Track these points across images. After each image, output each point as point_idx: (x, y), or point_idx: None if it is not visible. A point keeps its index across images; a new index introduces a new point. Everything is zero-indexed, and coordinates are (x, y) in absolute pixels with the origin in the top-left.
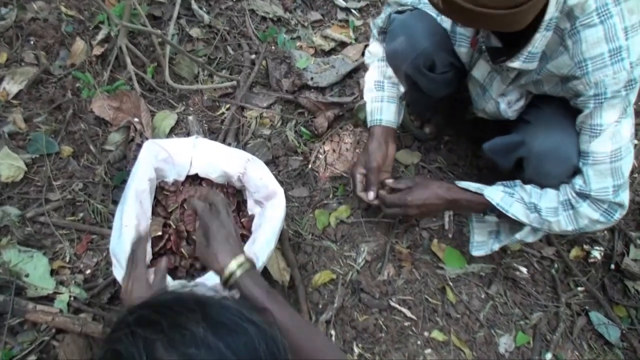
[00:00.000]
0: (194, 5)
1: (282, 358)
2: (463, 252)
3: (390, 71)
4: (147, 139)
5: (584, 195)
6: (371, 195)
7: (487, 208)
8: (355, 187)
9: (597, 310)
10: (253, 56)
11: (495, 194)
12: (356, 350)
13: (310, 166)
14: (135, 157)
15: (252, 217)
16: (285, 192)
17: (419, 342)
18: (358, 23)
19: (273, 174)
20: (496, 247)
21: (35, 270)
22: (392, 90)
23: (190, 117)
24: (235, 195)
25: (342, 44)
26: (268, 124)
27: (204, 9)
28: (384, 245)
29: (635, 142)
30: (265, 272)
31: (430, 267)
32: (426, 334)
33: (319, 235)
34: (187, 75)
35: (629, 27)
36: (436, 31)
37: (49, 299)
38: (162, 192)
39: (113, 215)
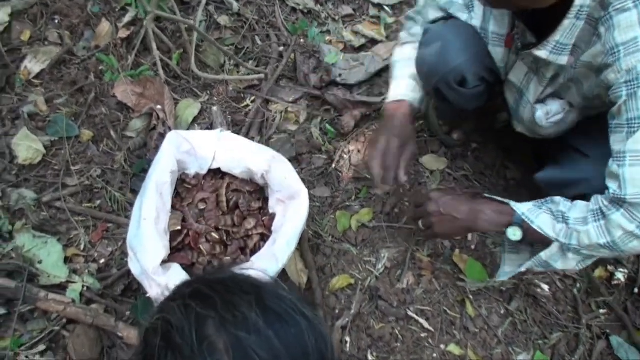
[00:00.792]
0: None
1: (329, 357)
2: (485, 265)
3: None
4: (169, 127)
5: (618, 202)
6: (402, 175)
7: (511, 223)
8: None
9: (618, 335)
10: (281, 48)
11: (522, 205)
12: (370, 358)
13: (333, 165)
14: (156, 147)
15: (273, 216)
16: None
17: (434, 355)
18: (390, 21)
19: (296, 172)
20: (523, 268)
21: (49, 257)
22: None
23: (215, 108)
24: (257, 192)
25: (373, 41)
26: (293, 120)
27: None
28: (404, 252)
29: None
30: (282, 273)
31: (450, 278)
32: (442, 346)
33: (339, 238)
34: (213, 64)
35: None
36: (470, 45)
37: (61, 288)
38: (182, 185)
39: (131, 204)
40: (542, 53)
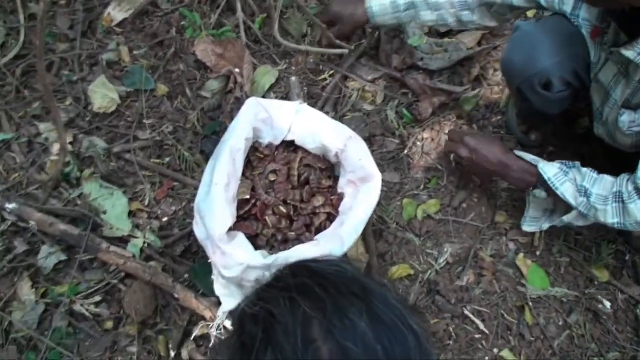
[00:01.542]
0: None
1: None
2: (548, 273)
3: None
4: (246, 93)
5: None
6: None
7: (537, 183)
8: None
9: None
10: None
11: (550, 169)
12: None
13: (406, 152)
14: (231, 110)
15: (342, 197)
16: None
17: (486, 358)
18: None
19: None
20: (546, 226)
21: (114, 208)
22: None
23: (293, 78)
24: (328, 169)
25: None
26: (369, 99)
27: None
28: (468, 249)
29: None
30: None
31: (511, 281)
32: (496, 350)
33: (404, 226)
34: (295, 32)
35: None
36: (561, 48)
37: (122, 241)
38: (255, 153)
39: (198, 165)
40: (630, 53)
